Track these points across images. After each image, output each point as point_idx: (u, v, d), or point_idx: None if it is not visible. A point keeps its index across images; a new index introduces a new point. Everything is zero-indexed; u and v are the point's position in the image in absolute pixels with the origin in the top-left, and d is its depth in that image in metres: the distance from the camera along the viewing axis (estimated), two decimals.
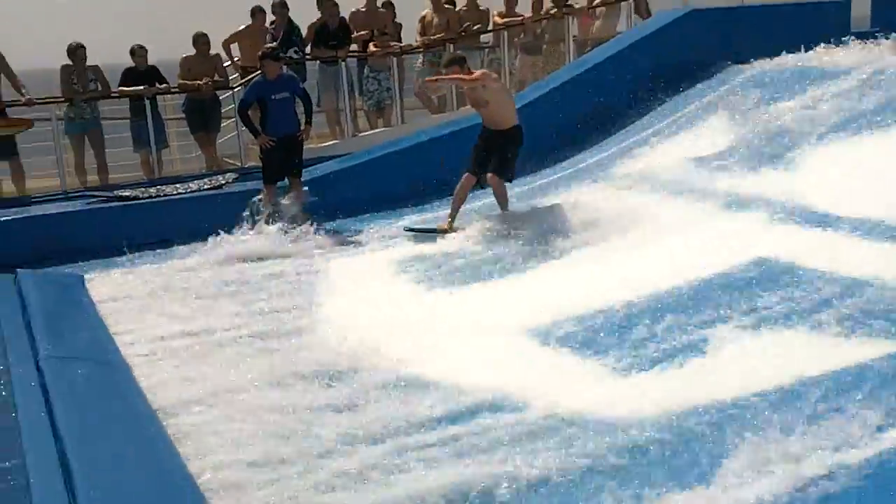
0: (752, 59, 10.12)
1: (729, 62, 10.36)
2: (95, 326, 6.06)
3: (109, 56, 16.79)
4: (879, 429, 3.78)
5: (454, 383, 4.81)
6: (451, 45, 11.23)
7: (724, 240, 6.31)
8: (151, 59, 10.42)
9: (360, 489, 3.85)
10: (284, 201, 8.60)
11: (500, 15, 12.10)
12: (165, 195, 9.28)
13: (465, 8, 12.10)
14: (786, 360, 4.55)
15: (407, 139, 10.39)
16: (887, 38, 9.58)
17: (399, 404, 4.62)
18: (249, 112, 8.72)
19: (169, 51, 14.25)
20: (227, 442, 4.32)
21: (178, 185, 9.58)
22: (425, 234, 8.04)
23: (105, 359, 5.32)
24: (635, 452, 3.94)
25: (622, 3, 12.21)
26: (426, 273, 6.98)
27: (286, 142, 8.65)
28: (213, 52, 10.73)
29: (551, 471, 3.83)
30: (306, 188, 8.89)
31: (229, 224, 8.17)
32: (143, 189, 9.46)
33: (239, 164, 10.81)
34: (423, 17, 11.85)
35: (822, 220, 6.28)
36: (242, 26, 11.06)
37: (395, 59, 11.35)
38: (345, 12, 11.36)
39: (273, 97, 8.59)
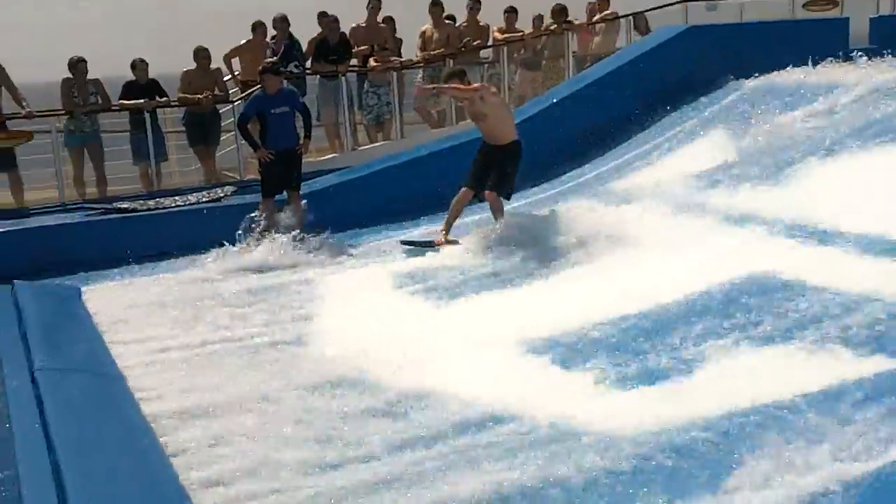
0: (750, 76, 10.16)
1: (728, 78, 10.39)
2: (91, 338, 6.05)
3: (110, 69, 16.85)
4: (880, 444, 3.75)
5: (453, 395, 4.79)
6: (451, 61, 11.25)
7: (722, 255, 6.28)
8: (152, 73, 10.46)
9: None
10: (283, 215, 8.60)
11: (500, 30, 12.16)
12: (164, 208, 9.29)
13: (465, 23, 12.15)
14: (785, 376, 4.52)
15: (406, 153, 10.42)
16: (888, 55, 9.62)
17: (394, 418, 4.60)
18: (249, 126, 8.73)
19: (170, 65, 14.31)
20: (222, 454, 4.29)
21: (176, 198, 9.59)
22: (421, 247, 8.03)
23: (100, 370, 5.32)
24: (633, 466, 3.91)
25: (621, 20, 12.30)
26: (425, 286, 6.95)
27: (285, 156, 8.66)
28: (213, 66, 10.78)
29: (549, 482, 3.80)
30: (305, 202, 8.89)
31: (228, 237, 8.16)
32: (141, 201, 9.47)
33: (238, 178, 10.82)
34: (424, 33, 11.89)
35: (822, 236, 6.25)
36: (243, 41, 11.12)
37: (395, 73, 11.40)
38: (345, 27, 11.44)
39: (273, 111, 8.60)
